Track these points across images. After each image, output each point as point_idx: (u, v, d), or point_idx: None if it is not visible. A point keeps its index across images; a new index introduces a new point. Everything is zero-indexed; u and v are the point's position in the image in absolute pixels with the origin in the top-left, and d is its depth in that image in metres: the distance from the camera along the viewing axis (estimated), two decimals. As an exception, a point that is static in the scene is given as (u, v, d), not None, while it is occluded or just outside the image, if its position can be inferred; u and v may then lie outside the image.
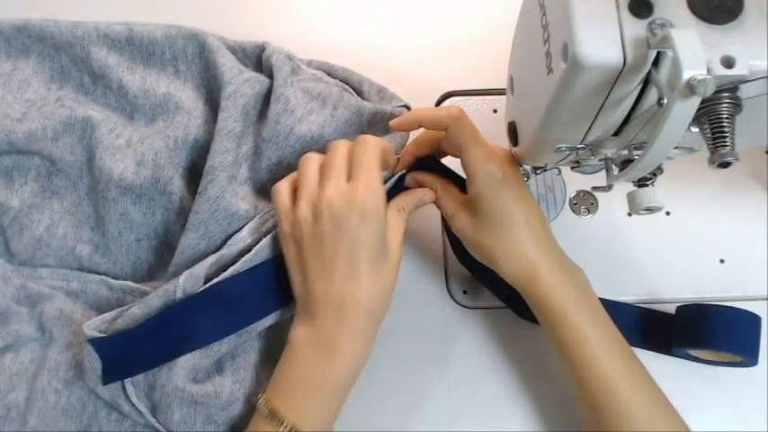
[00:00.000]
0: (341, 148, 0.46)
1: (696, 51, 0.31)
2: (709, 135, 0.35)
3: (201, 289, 0.47)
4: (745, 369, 0.52)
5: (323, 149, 0.52)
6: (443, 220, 0.56)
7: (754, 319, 0.51)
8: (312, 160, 0.47)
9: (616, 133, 0.41)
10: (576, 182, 0.59)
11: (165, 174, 0.52)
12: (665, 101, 0.33)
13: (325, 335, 0.44)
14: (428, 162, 0.52)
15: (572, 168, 0.50)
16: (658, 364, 0.54)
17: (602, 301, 0.54)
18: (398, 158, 0.52)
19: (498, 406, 0.53)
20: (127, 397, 0.46)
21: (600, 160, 0.44)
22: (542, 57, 0.38)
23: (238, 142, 0.51)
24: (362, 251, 0.44)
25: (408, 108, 0.56)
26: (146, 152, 0.53)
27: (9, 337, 0.50)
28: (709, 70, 0.32)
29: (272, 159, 0.52)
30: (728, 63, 0.33)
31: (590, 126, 0.40)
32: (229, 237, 0.50)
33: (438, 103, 0.62)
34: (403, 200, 0.49)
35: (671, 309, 0.54)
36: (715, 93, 0.33)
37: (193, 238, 0.49)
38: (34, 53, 0.58)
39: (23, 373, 0.49)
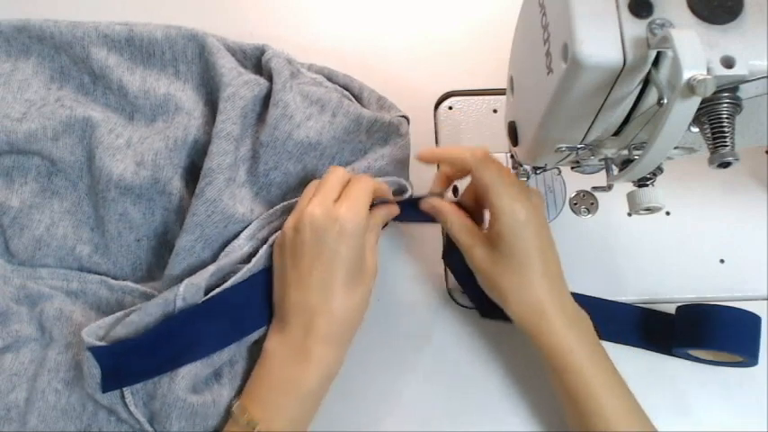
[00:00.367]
0: (338, 172, 0.49)
1: (696, 51, 0.31)
2: (709, 135, 0.35)
3: (202, 300, 0.47)
4: (746, 369, 0.52)
5: (321, 155, 0.52)
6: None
7: (753, 319, 0.51)
8: (314, 183, 0.49)
9: (616, 133, 0.41)
10: (576, 182, 0.59)
11: (164, 174, 0.52)
12: (665, 101, 0.33)
13: (297, 342, 0.46)
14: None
15: (572, 168, 0.50)
16: (659, 364, 0.54)
17: (603, 301, 0.54)
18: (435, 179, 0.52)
19: (497, 406, 0.53)
20: (125, 405, 0.46)
21: (600, 160, 0.44)
22: (542, 57, 0.38)
23: (237, 145, 0.51)
24: (339, 264, 0.45)
25: (407, 119, 0.55)
26: (145, 152, 0.53)
27: (9, 337, 0.50)
28: (709, 70, 0.32)
29: (269, 164, 0.52)
30: (728, 63, 0.33)
31: (590, 126, 0.40)
32: (226, 240, 0.50)
33: (438, 103, 0.62)
34: (373, 218, 0.49)
35: (671, 309, 0.54)
36: (715, 93, 0.33)
37: (189, 240, 0.49)
38: (34, 53, 0.58)
39: (23, 373, 0.49)
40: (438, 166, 0.56)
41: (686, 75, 0.31)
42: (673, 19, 0.33)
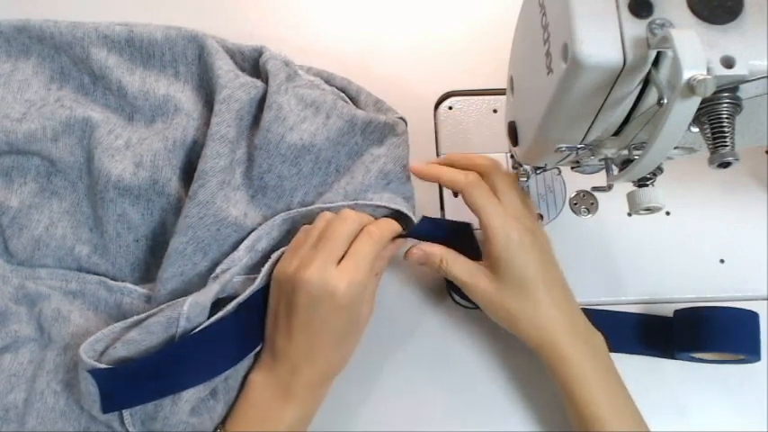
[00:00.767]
0: (347, 227, 0.47)
1: (696, 51, 0.31)
2: (709, 135, 0.35)
3: (204, 325, 0.46)
4: (746, 368, 0.52)
5: (316, 159, 0.51)
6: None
7: (751, 317, 0.51)
8: (323, 220, 0.48)
9: (616, 133, 0.41)
10: (576, 182, 0.59)
11: (163, 175, 0.52)
12: (665, 101, 0.33)
13: (282, 383, 0.47)
14: (429, 223, 0.52)
15: (572, 168, 0.50)
16: (658, 364, 0.54)
17: (602, 311, 0.54)
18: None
19: (498, 406, 0.53)
20: (122, 423, 0.46)
21: (600, 160, 0.44)
22: (542, 57, 0.38)
23: (232, 147, 0.51)
24: (327, 333, 0.46)
25: (404, 120, 0.55)
26: (144, 153, 0.53)
27: (8, 337, 0.50)
28: (709, 70, 0.32)
29: (263, 167, 0.52)
30: (728, 63, 0.33)
31: (590, 126, 0.40)
32: (218, 243, 0.50)
33: (438, 103, 0.62)
34: (378, 265, 0.49)
35: (671, 308, 0.54)
36: (715, 93, 0.33)
37: (181, 242, 0.49)
38: (34, 53, 0.58)
39: (22, 373, 0.49)
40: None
41: (686, 75, 0.31)
42: (673, 19, 0.33)
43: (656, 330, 0.54)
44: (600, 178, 0.46)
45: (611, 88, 0.35)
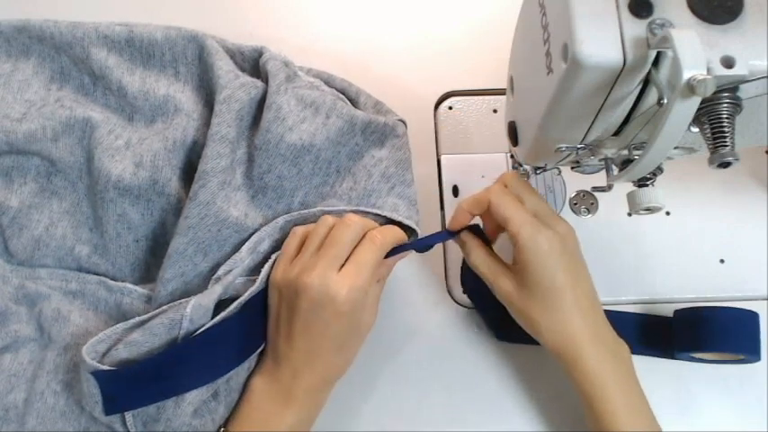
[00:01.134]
0: (350, 233, 0.46)
1: (696, 51, 0.31)
2: (709, 135, 0.35)
3: (206, 327, 0.46)
4: (746, 368, 0.52)
5: (316, 159, 0.51)
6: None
7: (751, 317, 0.51)
8: (325, 225, 0.47)
9: (616, 133, 0.41)
10: (576, 182, 0.59)
11: (163, 175, 0.52)
12: (665, 101, 0.33)
13: (282, 387, 0.47)
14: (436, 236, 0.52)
15: (572, 168, 0.50)
16: (659, 364, 0.54)
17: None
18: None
19: (498, 406, 0.53)
20: (124, 424, 0.46)
21: (600, 160, 0.44)
22: (542, 57, 0.38)
23: (232, 147, 0.51)
24: (328, 338, 0.46)
25: (404, 123, 0.55)
26: (144, 153, 0.53)
27: (8, 337, 0.50)
28: (709, 70, 0.32)
29: (263, 167, 0.52)
30: (728, 63, 0.33)
31: (590, 126, 0.40)
32: (219, 244, 0.49)
33: (438, 103, 0.62)
34: (380, 272, 0.49)
35: (671, 308, 0.54)
36: (715, 93, 0.33)
37: (182, 243, 0.48)
38: (34, 53, 0.58)
39: (22, 374, 0.49)
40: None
41: (686, 75, 0.31)
42: (673, 19, 0.33)
43: (656, 330, 0.54)
44: (600, 178, 0.46)
45: (611, 88, 0.35)
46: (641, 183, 0.42)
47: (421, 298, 0.56)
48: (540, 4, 0.38)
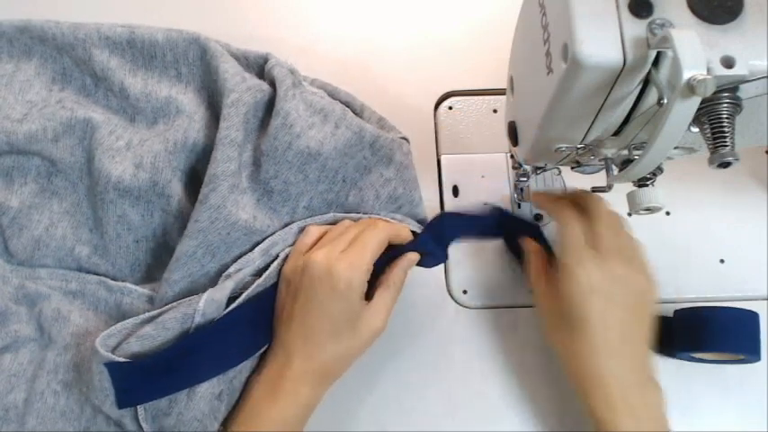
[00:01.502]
0: (360, 224, 0.49)
1: (696, 51, 0.31)
2: (709, 135, 0.35)
3: (217, 318, 0.47)
4: (746, 368, 0.52)
5: (322, 167, 0.52)
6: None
7: (751, 317, 0.51)
8: (343, 226, 0.50)
9: (616, 133, 0.41)
10: (576, 182, 0.59)
11: (163, 177, 0.52)
12: (665, 101, 0.33)
13: (271, 377, 0.47)
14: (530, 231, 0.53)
15: (572, 168, 0.50)
16: (659, 364, 0.54)
17: None
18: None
19: (498, 406, 0.53)
20: (136, 418, 0.46)
21: (600, 160, 0.44)
22: (542, 57, 0.38)
23: (240, 151, 0.51)
24: (324, 319, 0.46)
25: (407, 140, 0.55)
26: (145, 155, 0.53)
27: (8, 337, 0.50)
28: (709, 70, 0.32)
29: (269, 173, 0.52)
30: (728, 63, 0.33)
31: (590, 126, 0.40)
32: (227, 247, 0.50)
33: (438, 103, 0.62)
34: (390, 277, 0.49)
35: (671, 308, 0.54)
36: (715, 93, 0.33)
37: (191, 246, 0.49)
38: (36, 54, 0.58)
39: (22, 374, 0.49)
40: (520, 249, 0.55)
41: (686, 75, 0.31)
42: (673, 19, 0.33)
43: (655, 330, 0.54)
44: (600, 178, 0.46)
45: (611, 88, 0.35)
46: (641, 183, 0.42)
47: (421, 298, 0.56)
48: (540, 4, 0.38)
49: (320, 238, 0.50)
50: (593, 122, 0.39)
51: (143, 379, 0.45)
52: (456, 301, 0.56)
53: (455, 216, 0.55)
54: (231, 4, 0.66)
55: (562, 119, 0.39)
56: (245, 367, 0.48)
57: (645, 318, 0.47)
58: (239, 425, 0.47)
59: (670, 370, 0.54)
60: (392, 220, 0.52)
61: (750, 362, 0.52)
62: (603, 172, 0.44)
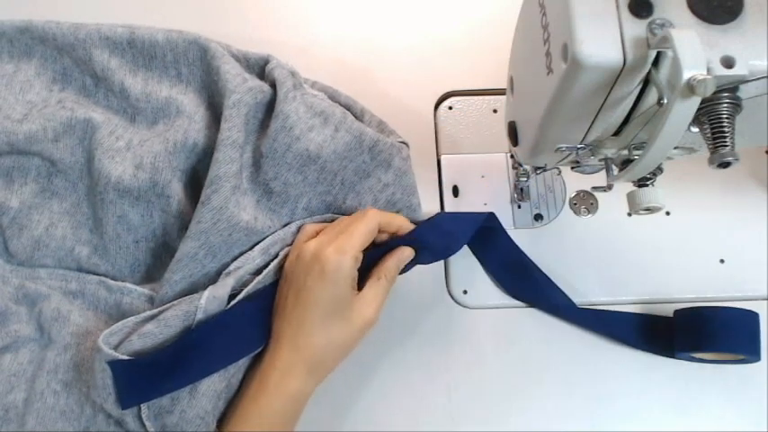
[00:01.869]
0: (352, 215, 0.50)
1: (696, 51, 0.31)
2: (709, 135, 0.35)
3: (219, 312, 0.47)
4: (746, 368, 0.52)
5: (321, 169, 0.52)
6: None
7: (751, 317, 0.51)
8: (337, 220, 0.51)
9: (616, 133, 0.41)
10: (576, 182, 0.59)
11: (163, 177, 0.52)
12: (665, 101, 0.33)
13: (260, 369, 0.47)
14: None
15: (572, 168, 0.50)
16: (659, 364, 0.54)
17: (602, 311, 0.55)
18: None
19: (498, 406, 0.53)
20: (139, 417, 0.46)
21: (600, 160, 0.44)
22: (542, 57, 0.38)
23: (241, 152, 0.51)
24: (312, 304, 0.46)
25: (407, 145, 0.55)
26: (144, 155, 0.53)
27: (8, 337, 0.50)
28: (709, 70, 0.32)
29: (269, 174, 0.52)
30: (728, 63, 0.33)
31: (590, 126, 0.40)
32: (229, 248, 0.50)
33: (438, 103, 0.62)
34: (382, 268, 0.49)
35: (671, 308, 0.54)
36: (715, 93, 0.33)
37: (193, 247, 0.49)
38: (37, 54, 0.58)
39: (22, 373, 0.49)
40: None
41: (686, 75, 0.31)
42: (673, 19, 0.33)
43: (656, 330, 0.54)
44: (600, 178, 0.46)
45: (611, 88, 0.35)
46: (641, 183, 0.42)
47: (421, 298, 0.56)
48: (540, 4, 0.38)
49: (317, 234, 0.50)
50: (593, 122, 0.39)
51: (146, 376, 0.45)
52: (456, 301, 0.56)
53: (452, 215, 0.54)
54: (231, 5, 0.66)
55: (562, 119, 0.39)
56: (245, 365, 0.49)
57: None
58: (228, 422, 0.47)
59: (670, 370, 0.54)
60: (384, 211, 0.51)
61: (750, 362, 0.52)
62: (603, 172, 0.44)
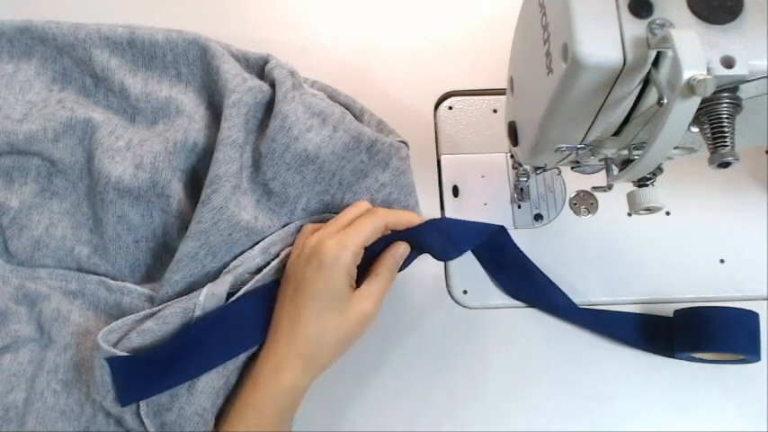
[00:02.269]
0: (358, 207, 0.50)
1: (696, 51, 0.31)
2: (709, 135, 0.35)
3: (217, 308, 0.47)
4: (746, 368, 0.52)
5: (319, 169, 0.52)
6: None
7: (751, 317, 0.51)
8: (342, 213, 0.51)
9: (616, 133, 0.41)
10: (576, 182, 0.59)
11: (163, 177, 0.52)
12: (665, 101, 0.33)
13: (255, 365, 0.47)
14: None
15: (572, 168, 0.50)
16: (659, 364, 0.54)
17: (602, 311, 0.55)
18: None
19: (498, 406, 0.53)
20: (138, 414, 0.46)
21: (600, 160, 0.44)
22: (542, 57, 0.38)
23: (241, 152, 0.51)
24: (309, 296, 0.46)
25: (406, 144, 0.55)
26: (145, 155, 0.53)
27: (8, 337, 0.50)
28: (709, 70, 0.32)
29: (267, 174, 0.52)
30: (728, 63, 0.33)
31: (590, 126, 0.40)
32: (229, 247, 0.50)
33: (438, 103, 0.62)
34: (380, 265, 0.48)
35: (671, 308, 0.54)
36: (715, 93, 0.33)
37: (193, 247, 0.49)
38: (37, 54, 0.58)
39: (22, 373, 0.49)
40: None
41: (686, 75, 0.31)
42: (673, 19, 0.33)
43: (656, 330, 0.54)
44: (600, 178, 0.46)
45: (611, 88, 0.35)
46: (641, 183, 0.42)
47: (421, 298, 0.56)
48: (540, 4, 0.38)
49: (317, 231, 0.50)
50: (593, 122, 0.39)
51: (144, 373, 0.45)
52: (456, 301, 0.56)
53: (462, 222, 0.54)
54: (231, 4, 0.66)
55: (562, 119, 0.39)
56: (244, 362, 0.49)
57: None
58: (224, 419, 0.47)
59: (670, 370, 0.54)
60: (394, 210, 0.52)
61: (750, 362, 0.52)
62: (603, 172, 0.44)
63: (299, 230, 0.52)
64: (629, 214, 0.58)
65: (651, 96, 0.36)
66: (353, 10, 0.66)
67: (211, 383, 0.47)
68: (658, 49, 0.33)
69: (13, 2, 0.63)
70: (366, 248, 0.48)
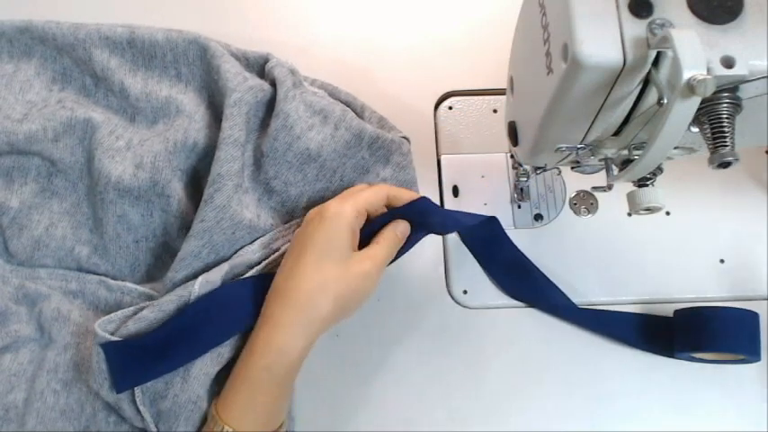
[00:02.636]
0: (359, 186, 0.51)
1: (696, 51, 0.31)
2: (709, 135, 0.35)
3: (211, 290, 0.47)
4: (746, 368, 0.52)
5: (321, 167, 0.52)
6: None
7: (751, 317, 0.51)
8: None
9: (616, 133, 0.41)
10: (576, 182, 0.59)
11: (163, 177, 0.52)
12: (665, 101, 0.33)
13: (253, 334, 0.46)
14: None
15: (572, 168, 0.50)
16: (659, 364, 0.54)
17: (602, 311, 0.55)
18: None
19: (498, 406, 0.53)
20: (134, 402, 0.46)
21: (600, 160, 0.44)
22: (542, 57, 0.38)
23: (243, 150, 0.51)
24: (309, 246, 0.46)
25: (408, 140, 0.55)
26: (145, 155, 0.53)
27: (8, 337, 0.50)
28: (709, 70, 0.32)
29: (269, 173, 0.52)
30: (728, 63, 0.33)
31: (590, 126, 0.40)
32: (232, 246, 0.50)
33: (438, 103, 0.62)
34: (380, 235, 0.48)
35: (671, 308, 0.54)
36: (715, 93, 0.33)
37: (197, 246, 0.49)
38: (37, 54, 0.58)
39: (22, 373, 0.49)
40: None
41: (686, 75, 0.31)
42: (673, 19, 0.33)
43: (656, 330, 0.54)
44: (600, 178, 0.46)
45: (611, 88, 0.35)
46: (641, 183, 0.42)
47: (421, 298, 0.56)
48: (540, 4, 0.38)
49: None
50: (593, 122, 0.39)
51: (138, 358, 0.46)
52: (456, 301, 0.56)
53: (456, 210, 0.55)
54: (231, 5, 0.66)
55: (562, 119, 0.39)
56: (239, 348, 0.48)
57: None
58: (224, 390, 0.46)
59: (670, 370, 0.54)
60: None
61: (750, 362, 0.52)
62: (603, 172, 0.44)
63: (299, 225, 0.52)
64: (629, 214, 0.58)
65: (651, 96, 0.36)
66: (353, 10, 0.66)
67: (205, 370, 0.46)
68: (658, 49, 0.33)
69: (13, 2, 0.63)
70: (366, 225, 0.48)
